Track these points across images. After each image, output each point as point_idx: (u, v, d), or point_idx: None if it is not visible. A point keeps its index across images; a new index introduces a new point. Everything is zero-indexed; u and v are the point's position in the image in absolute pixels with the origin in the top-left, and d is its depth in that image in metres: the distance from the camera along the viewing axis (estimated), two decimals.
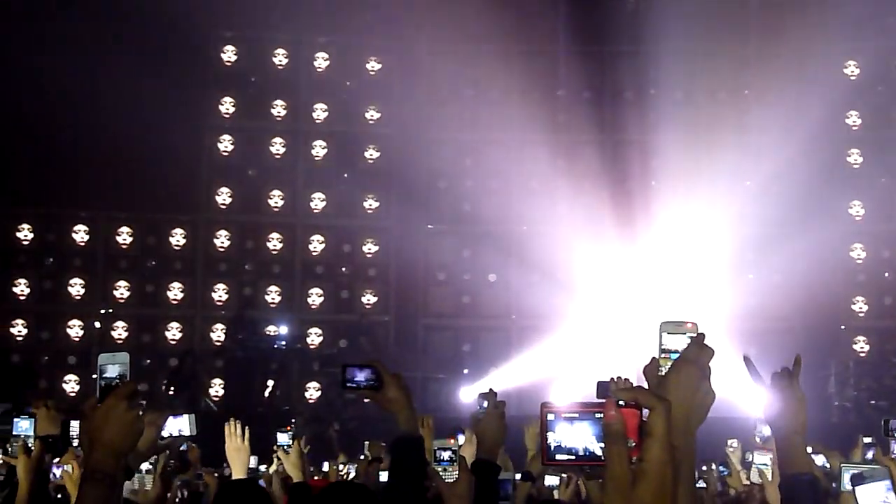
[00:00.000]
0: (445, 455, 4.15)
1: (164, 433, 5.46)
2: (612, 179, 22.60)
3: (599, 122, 22.89)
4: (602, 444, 1.79)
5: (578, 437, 1.84)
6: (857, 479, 2.79)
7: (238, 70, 22.87)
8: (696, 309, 21.19)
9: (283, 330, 21.16)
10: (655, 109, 22.81)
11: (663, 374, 2.34)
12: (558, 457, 1.85)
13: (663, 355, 2.47)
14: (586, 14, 22.63)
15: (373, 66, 23.04)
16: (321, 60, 22.99)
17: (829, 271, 21.54)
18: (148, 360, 21.46)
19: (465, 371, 21.25)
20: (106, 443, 2.84)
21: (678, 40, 21.60)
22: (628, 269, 21.81)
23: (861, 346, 21.45)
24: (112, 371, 3.00)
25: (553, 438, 1.85)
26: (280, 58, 22.86)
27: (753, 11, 22.65)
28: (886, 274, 21.85)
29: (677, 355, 2.34)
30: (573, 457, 1.84)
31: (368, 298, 22.30)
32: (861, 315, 21.79)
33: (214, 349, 21.48)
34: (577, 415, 1.83)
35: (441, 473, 4.11)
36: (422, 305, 22.41)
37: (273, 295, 22.16)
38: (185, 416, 5.49)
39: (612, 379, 3.71)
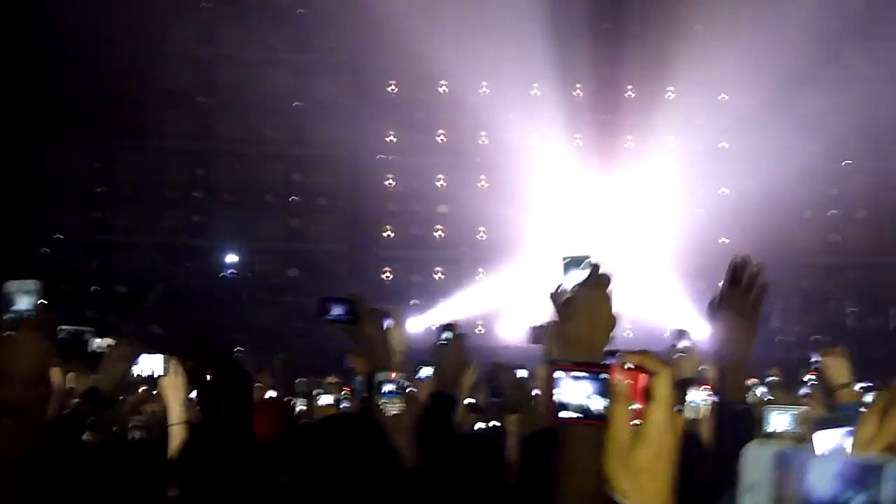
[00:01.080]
0: (387, 387, 4.16)
1: (137, 370, 5.40)
2: (564, 110, 22.58)
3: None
4: (604, 404, 1.82)
5: (582, 395, 1.87)
6: (820, 425, 2.87)
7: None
8: (645, 240, 21.38)
9: (232, 258, 21.04)
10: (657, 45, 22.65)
11: (567, 299, 2.46)
12: (563, 414, 1.88)
13: (566, 286, 2.60)
14: None
15: None
16: None
17: (776, 208, 21.72)
18: (96, 287, 21.31)
19: (414, 302, 21.31)
20: (15, 375, 2.76)
21: None
22: (594, 204, 21.86)
23: (804, 281, 21.72)
24: (23, 301, 2.97)
25: (559, 396, 1.88)
26: None
27: None
28: (833, 211, 22.07)
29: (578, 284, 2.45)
30: (580, 414, 1.87)
31: (319, 228, 22.20)
32: (807, 251, 22.04)
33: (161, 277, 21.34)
34: (584, 374, 1.87)
35: (383, 406, 4.12)
36: (372, 236, 22.36)
37: (224, 222, 22.00)
38: (160, 356, 5.38)
39: (545, 324, 3.74)
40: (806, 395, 6.89)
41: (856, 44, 22.31)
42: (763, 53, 21.25)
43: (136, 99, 21.62)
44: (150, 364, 5.44)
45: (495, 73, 22.71)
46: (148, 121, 22.06)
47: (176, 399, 5.87)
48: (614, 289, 2.38)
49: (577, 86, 22.79)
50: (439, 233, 22.31)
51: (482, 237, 22.23)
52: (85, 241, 21.83)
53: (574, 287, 2.48)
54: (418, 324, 20.77)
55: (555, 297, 2.58)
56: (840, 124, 22.13)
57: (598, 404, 1.83)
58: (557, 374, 1.86)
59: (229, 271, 20.51)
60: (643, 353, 1.75)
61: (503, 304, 21.18)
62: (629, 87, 22.61)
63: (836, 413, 3.08)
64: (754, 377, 9.09)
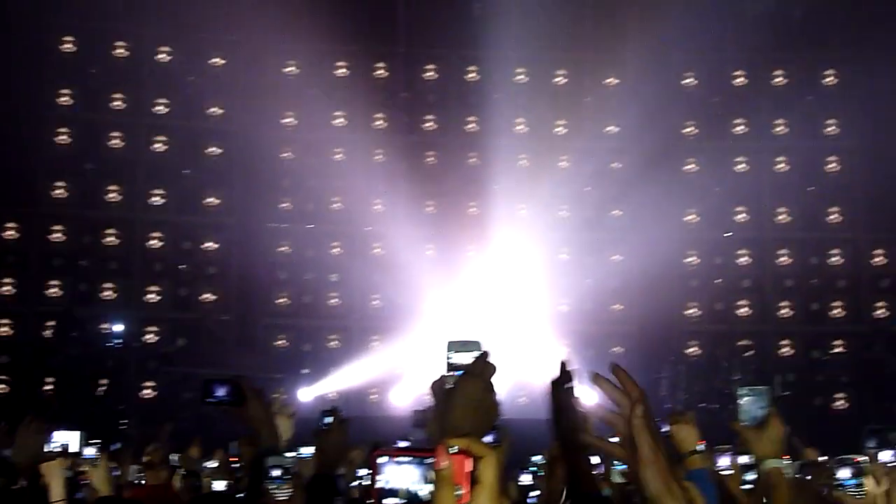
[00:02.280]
0: (276, 472, 4.09)
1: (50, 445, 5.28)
2: (459, 177, 22.80)
3: (445, 122, 23.04)
4: (429, 489, 1.79)
5: (407, 480, 1.83)
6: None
7: (78, 61, 22.15)
8: (532, 312, 21.59)
9: (119, 328, 20.64)
10: (502, 114, 23.09)
11: (449, 387, 2.45)
12: (388, 501, 1.84)
13: (450, 371, 2.59)
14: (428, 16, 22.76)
15: (215, 60, 22.65)
16: (164, 54, 22.47)
17: (664, 277, 22.07)
18: None
19: (305, 371, 21.14)
20: None
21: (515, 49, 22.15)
22: (469, 273, 22.05)
23: (694, 349, 22.05)
24: None
25: (383, 481, 1.84)
26: (121, 50, 22.27)
27: (588, 27, 22.97)
28: (718, 280, 22.49)
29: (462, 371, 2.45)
30: (406, 500, 1.84)
31: (208, 296, 21.92)
32: (694, 320, 22.40)
33: (47, 347, 20.81)
34: (407, 459, 1.83)
35: (273, 491, 4.05)
36: (263, 304, 22.13)
37: (109, 292, 21.58)
38: (76, 432, 5.29)
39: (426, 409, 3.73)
40: None
41: (737, 115, 22.93)
42: (647, 119, 21.79)
43: (21, 166, 21.19)
44: (64, 439, 5.36)
45: (386, 140, 22.88)
46: (33, 188, 21.60)
47: (58, 481, 5.82)
48: (499, 378, 2.38)
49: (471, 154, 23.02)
50: (333, 301, 22.16)
51: (376, 305, 22.17)
52: None
53: (456, 376, 2.48)
54: (310, 393, 20.66)
55: (435, 386, 2.57)
56: (725, 195, 22.67)
57: (423, 490, 1.80)
58: (381, 459, 1.82)
59: (116, 341, 20.08)
60: (468, 437, 1.73)
61: (397, 372, 21.14)
62: (522, 156, 22.82)
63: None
64: None
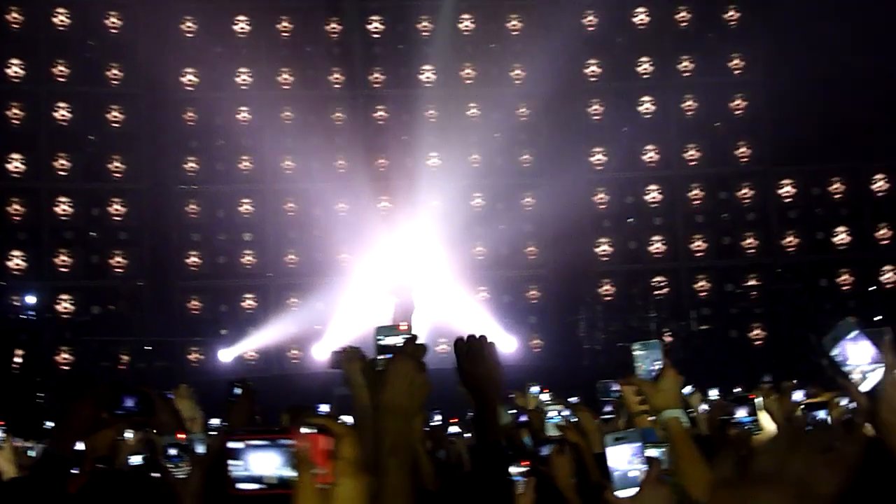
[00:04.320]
0: (172, 451, 4.08)
1: None
2: (367, 133, 22.74)
3: (352, 77, 22.90)
4: (287, 471, 1.76)
5: (265, 464, 1.79)
6: (613, 441, 2.95)
7: None
8: (448, 260, 21.67)
9: (31, 299, 20.37)
10: (408, 64, 23.06)
11: (381, 369, 2.54)
12: (243, 486, 1.80)
13: (381, 354, 2.66)
14: None
15: (114, 22, 22.28)
16: (62, 17, 22.04)
17: (576, 219, 22.25)
18: None
19: (223, 332, 21.06)
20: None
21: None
22: (382, 226, 22.07)
23: (607, 289, 22.27)
24: None
25: (237, 467, 1.80)
26: (15, 14, 21.82)
27: None
28: (630, 219, 22.70)
29: (392, 353, 2.51)
30: (263, 485, 1.80)
31: (120, 262, 21.68)
32: (606, 259, 22.61)
33: None
34: (263, 442, 1.80)
35: (172, 470, 4.04)
36: (176, 268, 21.95)
37: (18, 261, 21.27)
38: None
39: (344, 349, 3.73)
40: (609, 416, 7.00)
41: (641, 55, 23.06)
42: (551, 63, 21.83)
43: None
44: None
45: (296, 96, 22.72)
46: None
47: (9, 463, 5.79)
48: (427, 358, 2.51)
49: (379, 107, 22.94)
50: (247, 260, 22.04)
51: (292, 263, 22.09)
52: None
53: (385, 358, 2.58)
54: (229, 354, 20.61)
55: (366, 366, 2.69)
56: (633, 134, 22.85)
57: (280, 472, 1.77)
58: (233, 444, 1.78)
59: (29, 312, 19.80)
60: (324, 417, 1.74)
61: (317, 329, 21.13)
62: (430, 106, 22.77)
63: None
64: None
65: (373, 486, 1.78)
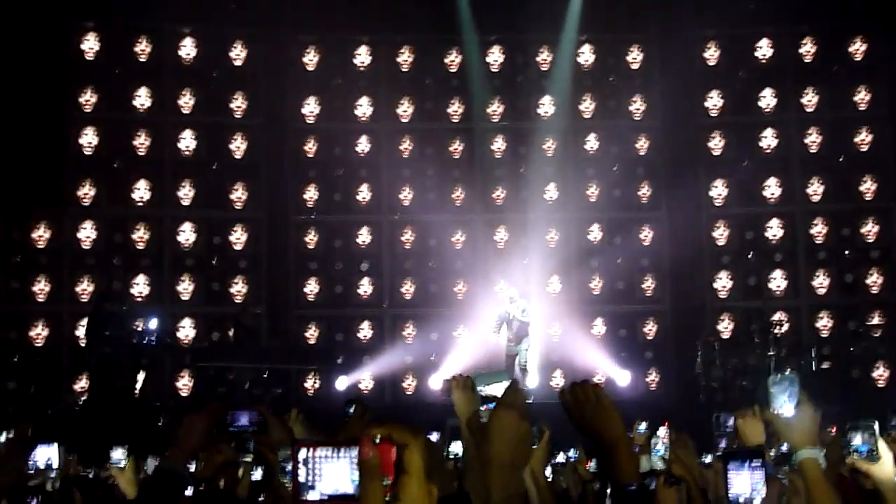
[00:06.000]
0: (288, 466, 4.08)
1: (33, 462, 5.26)
2: (484, 165, 22.78)
3: (470, 109, 22.96)
4: (356, 481, 1.74)
5: (332, 473, 1.78)
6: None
7: (101, 61, 22.29)
8: (565, 295, 21.57)
9: (153, 324, 20.71)
10: (525, 97, 23.07)
11: (484, 421, 2.47)
12: (309, 496, 1.79)
13: (483, 405, 2.60)
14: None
15: (237, 53, 22.68)
16: (188, 48, 22.53)
17: (693, 253, 21.98)
18: (16, 358, 20.94)
19: (339, 361, 21.20)
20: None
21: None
22: (497, 257, 22.07)
23: (725, 325, 21.91)
24: None
25: (305, 475, 1.79)
26: (144, 45, 22.36)
27: None
28: (750, 255, 22.33)
29: (494, 403, 2.45)
30: (326, 496, 1.78)
31: (239, 290, 21.98)
32: (725, 295, 22.25)
33: (81, 346, 20.93)
34: (331, 451, 1.78)
35: (287, 484, 4.03)
36: (294, 296, 22.18)
37: (141, 287, 21.70)
38: (55, 446, 5.24)
39: (453, 377, 3.71)
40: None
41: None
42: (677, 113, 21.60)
43: (49, 164, 21.34)
44: (45, 455, 5.33)
45: (415, 128, 22.89)
46: (63, 187, 21.74)
47: (131, 485, 5.86)
48: (527, 405, 2.44)
49: (497, 139, 22.97)
50: (363, 289, 22.19)
51: (407, 292, 22.18)
52: (2, 311, 21.42)
53: (487, 408, 2.53)
54: (344, 382, 20.73)
55: (471, 420, 2.64)
56: (753, 169, 22.50)
57: (347, 481, 1.74)
58: (302, 452, 1.76)
59: (150, 337, 20.11)
60: (391, 424, 1.69)
61: (432, 359, 21.18)
62: (547, 140, 22.72)
63: None
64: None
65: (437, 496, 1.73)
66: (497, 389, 2.66)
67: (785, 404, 3.59)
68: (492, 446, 2.37)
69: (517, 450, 2.35)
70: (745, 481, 2.84)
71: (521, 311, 18.52)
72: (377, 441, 1.68)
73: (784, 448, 4.13)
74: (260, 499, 6.05)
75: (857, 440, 5.70)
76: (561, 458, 9.39)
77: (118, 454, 6.68)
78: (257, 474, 7.99)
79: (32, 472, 5.27)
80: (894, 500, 3.48)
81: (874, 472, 3.98)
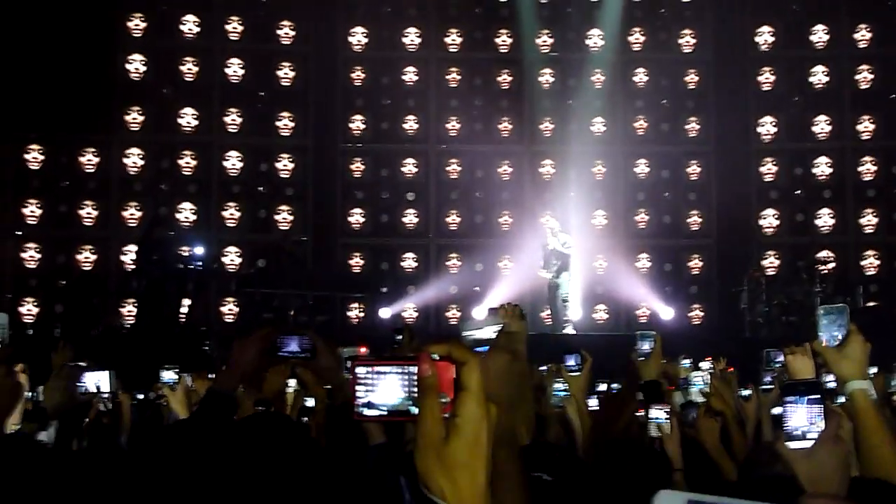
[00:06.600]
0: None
1: (83, 387, 5.34)
2: (532, 96, 22.66)
3: (518, 39, 22.80)
4: (413, 399, 1.72)
5: (389, 391, 1.76)
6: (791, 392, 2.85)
7: None
8: (610, 228, 21.52)
9: (199, 250, 20.83)
10: (575, 28, 22.87)
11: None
12: (367, 412, 1.78)
13: (474, 349, 2.58)
14: None
15: None
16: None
17: (741, 189, 21.87)
18: (63, 282, 21.20)
19: (384, 290, 21.28)
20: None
21: None
22: (543, 189, 22.01)
23: (772, 261, 21.83)
24: None
25: (363, 392, 1.77)
26: None
27: None
28: (798, 191, 22.18)
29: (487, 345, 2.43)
30: (384, 412, 1.77)
31: (285, 217, 22.07)
32: (772, 231, 22.15)
33: (128, 271, 21.13)
34: (389, 368, 1.77)
35: None
36: (339, 225, 22.24)
37: (188, 213, 21.83)
38: (105, 372, 5.32)
39: (502, 306, 3.70)
40: (769, 386, 6.83)
41: None
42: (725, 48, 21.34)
43: (98, 90, 21.39)
44: (95, 380, 5.41)
45: (463, 58, 22.78)
46: (111, 113, 21.82)
47: (182, 405, 5.95)
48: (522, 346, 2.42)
49: (546, 71, 22.81)
50: (408, 219, 22.22)
51: (453, 225, 22.17)
52: (50, 235, 21.62)
53: (481, 352, 2.52)
54: (388, 311, 20.81)
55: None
56: (803, 104, 22.28)
57: (404, 398, 1.74)
58: (360, 370, 1.76)
59: (196, 263, 20.22)
60: (450, 341, 1.68)
61: (476, 289, 21.23)
62: (596, 72, 22.53)
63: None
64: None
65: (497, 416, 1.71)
66: (488, 333, 2.61)
67: (834, 335, 3.56)
68: (487, 387, 2.38)
69: (509, 390, 2.30)
70: (802, 415, 2.80)
71: (562, 244, 18.45)
72: (436, 358, 1.67)
73: (831, 383, 4.11)
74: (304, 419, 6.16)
75: None
76: (602, 387, 9.43)
77: (170, 374, 6.78)
78: (310, 401, 8.07)
79: (84, 394, 5.34)
80: None
81: None
